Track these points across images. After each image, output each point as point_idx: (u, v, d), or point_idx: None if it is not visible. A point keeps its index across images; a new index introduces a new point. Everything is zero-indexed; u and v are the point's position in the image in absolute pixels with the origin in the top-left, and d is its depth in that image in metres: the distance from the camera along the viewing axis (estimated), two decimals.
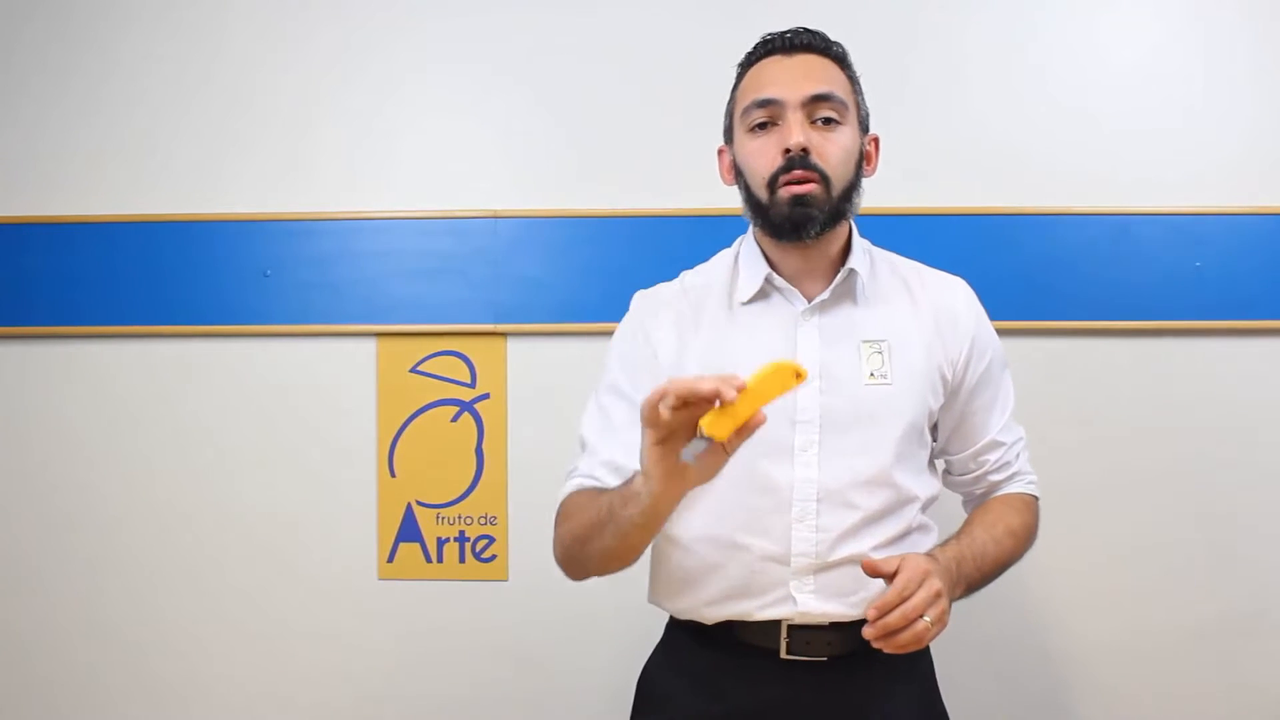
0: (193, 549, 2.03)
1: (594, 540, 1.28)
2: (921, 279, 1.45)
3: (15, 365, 2.05)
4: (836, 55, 1.39)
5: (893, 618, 1.19)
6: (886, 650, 1.21)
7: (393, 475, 2.02)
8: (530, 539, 1.97)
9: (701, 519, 1.35)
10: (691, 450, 1.09)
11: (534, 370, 2.01)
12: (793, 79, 1.35)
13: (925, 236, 1.94)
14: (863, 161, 1.40)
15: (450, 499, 2.02)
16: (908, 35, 2.00)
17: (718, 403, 1.07)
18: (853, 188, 1.37)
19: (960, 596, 1.31)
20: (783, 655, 1.33)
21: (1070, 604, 1.98)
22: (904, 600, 1.19)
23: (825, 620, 1.32)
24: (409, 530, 2.02)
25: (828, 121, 1.35)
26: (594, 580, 1.38)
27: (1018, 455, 1.47)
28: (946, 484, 1.47)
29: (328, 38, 2.04)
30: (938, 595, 1.21)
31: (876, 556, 1.27)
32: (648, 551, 1.34)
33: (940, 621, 1.22)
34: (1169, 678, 1.96)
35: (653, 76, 1.98)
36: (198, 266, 2.01)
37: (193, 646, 2.03)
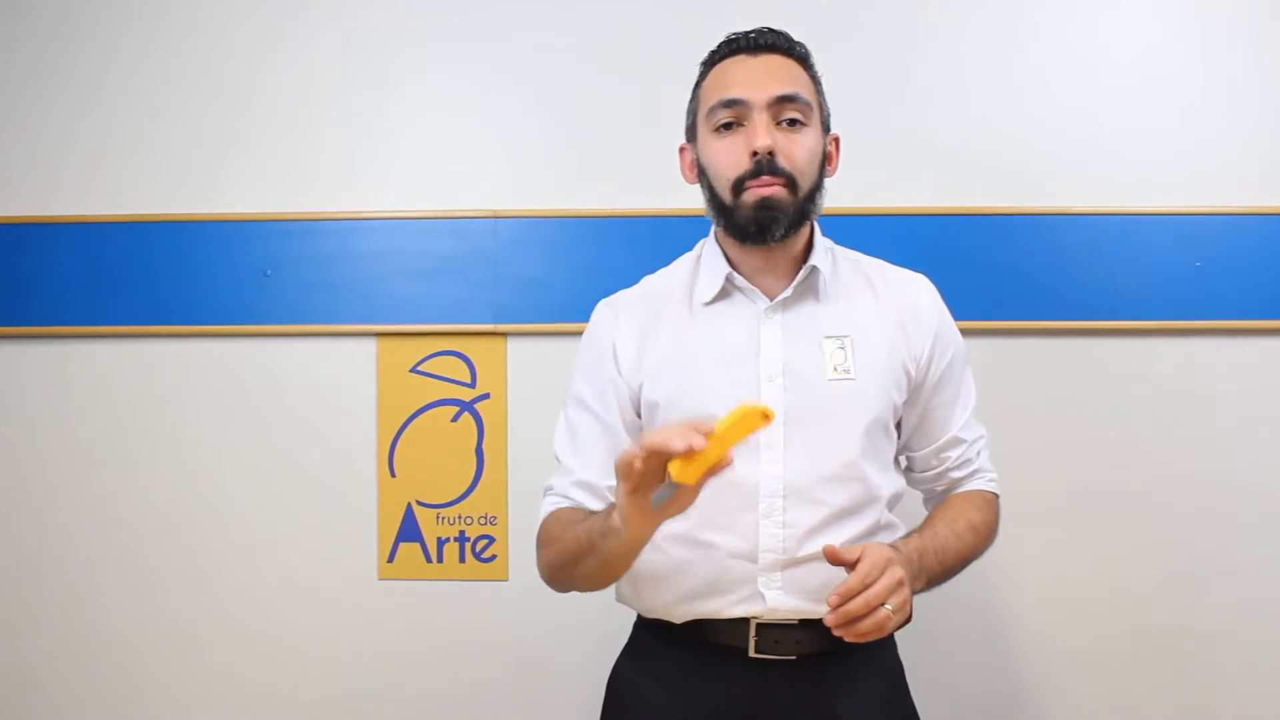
0: (193, 549, 2.03)
1: (578, 566, 1.31)
2: (884, 276, 1.45)
3: (14, 365, 2.05)
4: (800, 55, 1.40)
5: (854, 605, 1.19)
6: (848, 639, 1.21)
7: (393, 475, 2.02)
8: (530, 539, 1.94)
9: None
10: (660, 496, 1.11)
11: (534, 370, 2.01)
12: (758, 79, 1.35)
13: (925, 236, 1.95)
14: (825, 162, 1.41)
15: (450, 499, 2.02)
16: (908, 35, 2.00)
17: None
18: (817, 189, 1.38)
19: (922, 590, 1.31)
20: (751, 654, 1.34)
21: (1056, 606, 1.98)
22: (866, 588, 1.20)
23: (794, 617, 1.33)
24: (409, 530, 2.02)
25: (793, 123, 1.35)
26: None
27: (979, 453, 1.47)
28: (908, 481, 1.48)
29: (328, 37, 2.04)
30: (900, 584, 1.22)
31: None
32: None
33: (902, 610, 1.22)
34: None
35: (653, 77, 1.98)
36: (198, 266, 2.01)
37: (192, 646, 2.03)
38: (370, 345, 2.02)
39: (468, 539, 2.01)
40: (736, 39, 1.40)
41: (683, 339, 1.39)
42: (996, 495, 1.48)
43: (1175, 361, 1.96)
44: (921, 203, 1.96)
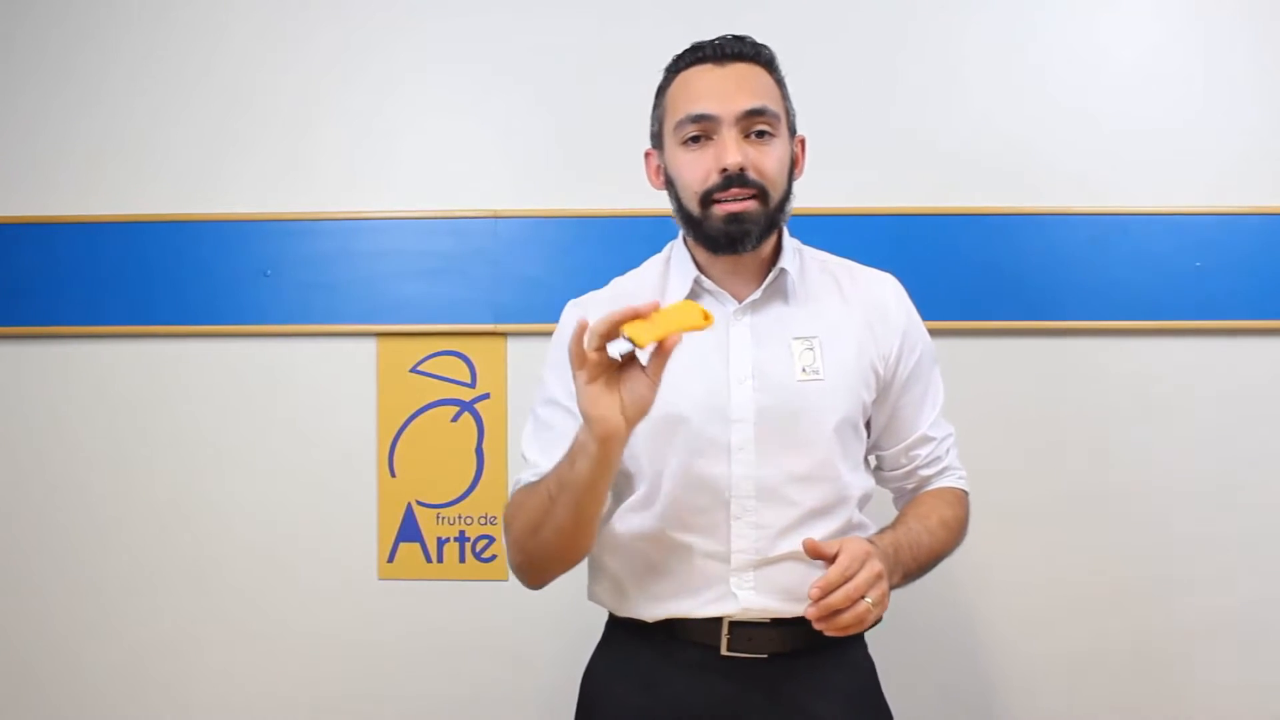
0: (193, 549, 2.03)
1: (547, 522, 1.28)
2: (852, 276, 1.46)
3: (15, 366, 2.05)
4: (766, 60, 1.40)
5: (835, 598, 1.20)
6: (828, 632, 1.22)
7: (393, 475, 2.02)
8: None
9: (641, 518, 1.36)
10: (617, 347, 1.14)
11: (534, 370, 1.98)
12: (725, 92, 1.35)
13: (925, 236, 1.95)
14: (793, 166, 1.41)
15: (450, 499, 2.02)
16: (908, 35, 2.00)
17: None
18: (786, 197, 1.39)
19: (897, 585, 1.31)
20: (723, 652, 1.34)
21: (1057, 607, 1.98)
22: (847, 580, 1.20)
23: (766, 616, 1.33)
24: (409, 530, 2.02)
25: (761, 134, 1.35)
26: None
27: (947, 450, 1.48)
28: (878, 480, 1.48)
29: (328, 37, 2.04)
30: (879, 577, 1.23)
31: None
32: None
33: (880, 605, 1.23)
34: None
35: (654, 77, 1.96)
36: (198, 266, 2.01)
37: (193, 646, 2.03)
38: (370, 345, 2.02)
39: (468, 539, 2.01)
40: (702, 47, 1.39)
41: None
42: (966, 492, 1.49)
43: (1175, 362, 1.96)
44: (921, 203, 1.96)
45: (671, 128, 1.38)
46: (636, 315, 1.13)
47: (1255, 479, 1.96)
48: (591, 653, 1.47)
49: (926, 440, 1.46)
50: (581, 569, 1.41)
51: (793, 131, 1.41)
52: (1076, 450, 1.97)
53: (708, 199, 1.34)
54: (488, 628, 2.01)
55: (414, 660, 2.01)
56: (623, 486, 1.38)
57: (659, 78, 1.41)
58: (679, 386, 1.31)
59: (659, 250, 1.52)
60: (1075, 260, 1.95)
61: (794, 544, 1.31)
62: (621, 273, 1.54)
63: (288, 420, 2.03)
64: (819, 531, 1.33)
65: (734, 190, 1.33)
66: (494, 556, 2.01)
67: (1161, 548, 1.96)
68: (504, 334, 2.01)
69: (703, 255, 1.41)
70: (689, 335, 1.38)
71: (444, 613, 2.01)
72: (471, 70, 2.04)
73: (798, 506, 1.34)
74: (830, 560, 1.22)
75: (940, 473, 1.48)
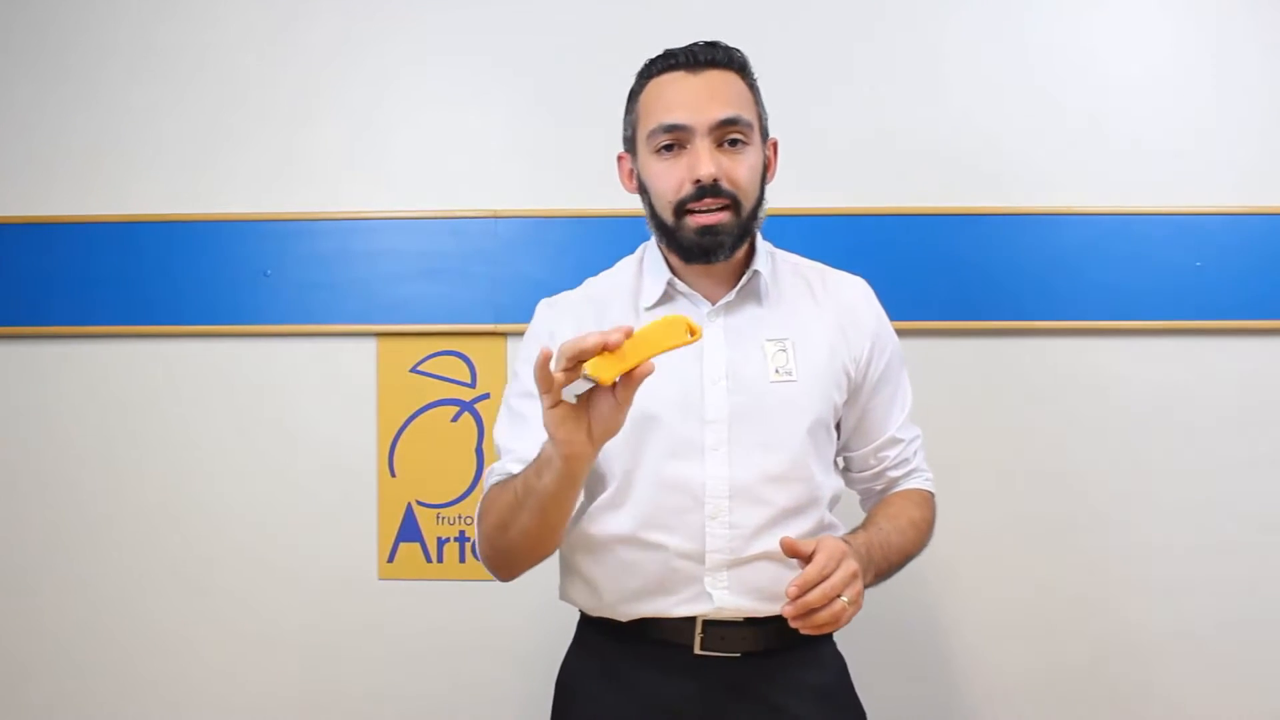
0: (192, 549, 2.03)
1: (514, 523, 1.30)
2: (823, 279, 1.47)
3: (9, 366, 2.04)
4: (739, 65, 1.39)
5: (812, 596, 1.20)
6: (804, 630, 1.22)
7: (393, 475, 2.02)
8: None
9: (615, 518, 1.36)
10: (573, 390, 1.10)
11: None
12: (699, 102, 1.35)
13: (924, 237, 1.95)
14: (765, 171, 1.41)
15: (450, 499, 2.02)
16: (907, 35, 2.00)
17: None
18: (759, 204, 1.39)
19: (870, 584, 1.32)
20: (696, 651, 1.35)
21: (1056, 607, 1.98)
22: (824, 579, 1.21)
23: (740, 616, 1.35)
24: (409, 530, 2.02)
25: (734, 143, 1.35)
26: None
27: (915, 452, 1.50)
28: (846, 481, 1.50)
29: (325, 31, 2.03)
30: (855, 576, 1.23)
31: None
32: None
33: (856, 603, 1.23)
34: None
35: None
36: (197, 266, 2.00)
37: (191, 647, 2.03)
38: (370, 345, 2.02)
39: (468, 539, 2.01)
40: (675, 54, 1.38)
41: None
42: (932, 493, 1.51)
43: (1175, 361, 1.96)
44: (920, 203, 1.96)
45: (645, 135, 1.38)
46: (604, 347, 1.07)
47: (1257, 477, 1.96)
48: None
49: (895, 442, 1.47)
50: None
51: (765, 136, 1.42)
52: (1075, 450, 1.97)
53: (681, 209, 1.35)
54: (488, 628, 2.01)
55: (414, 660, 2.01)
56: (594, 485, 1.38)
57: None
58: (652, 387, 1.31)
59: None
60: (1074, 260, 1.95)
61: (767, 544, 1.32)
62: None
63: (288, 420, 2.02)
64: (792, 531, 1.33)
65: (707, 200, 1.34)
66: None
67: (1162, 548, 1.97)
68: (504, 334, 2.00)
69: (676, 260, 1.42)
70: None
71: (444, 613, 2.01)
72: (471, 63, 2.03)
73: (771, 506, 1.35)
74: (806, 559, 1.23)
75: (908, 474, 1.49)
